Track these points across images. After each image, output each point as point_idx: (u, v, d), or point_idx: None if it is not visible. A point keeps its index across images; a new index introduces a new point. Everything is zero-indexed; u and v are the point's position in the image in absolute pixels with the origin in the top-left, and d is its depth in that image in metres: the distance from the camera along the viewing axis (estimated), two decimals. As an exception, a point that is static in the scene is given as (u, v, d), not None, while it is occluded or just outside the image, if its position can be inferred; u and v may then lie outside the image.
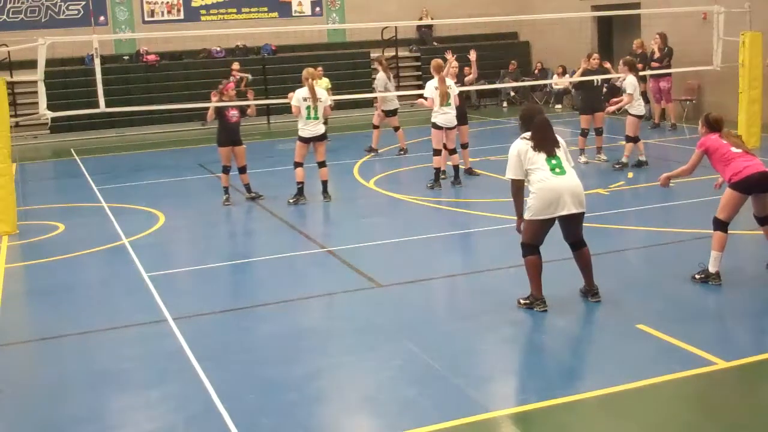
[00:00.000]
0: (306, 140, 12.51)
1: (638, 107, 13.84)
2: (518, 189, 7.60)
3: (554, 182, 7.35)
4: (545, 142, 7.53)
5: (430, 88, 12.97)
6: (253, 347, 7.21)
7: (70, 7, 23.27)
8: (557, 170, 7.40)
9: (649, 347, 6.74)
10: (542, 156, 7.46)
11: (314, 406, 6.08)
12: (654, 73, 18.35)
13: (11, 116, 13.82)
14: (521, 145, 7.55)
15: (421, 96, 13.69)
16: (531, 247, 7.66)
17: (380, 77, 17.45)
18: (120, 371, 6.83)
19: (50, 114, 13.43)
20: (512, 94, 24.55)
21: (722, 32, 16.12)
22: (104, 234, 11.22)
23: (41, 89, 12.92)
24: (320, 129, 12.44)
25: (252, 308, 8.17)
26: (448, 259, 9.65)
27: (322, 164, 12.71)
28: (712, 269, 8.05)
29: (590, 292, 7.86)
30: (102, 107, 13.38)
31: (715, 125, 8.23)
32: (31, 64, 14.06)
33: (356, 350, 7.04)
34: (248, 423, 5.75)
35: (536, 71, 24.63)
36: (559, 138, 7.74)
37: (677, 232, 9.75)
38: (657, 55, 18.82)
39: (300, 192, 12.60)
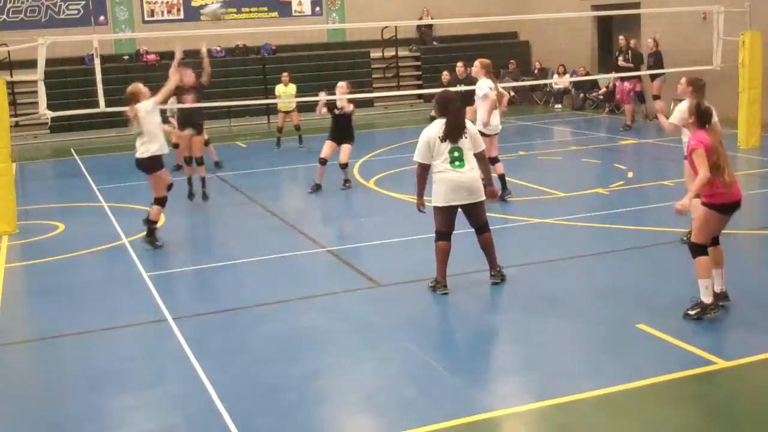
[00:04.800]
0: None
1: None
2: (422, 171, 8.15)
3: (450, 175, 7.98)
4: (453, 132, 7.99)
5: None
6: (253, 347, 7.21)
7: (70, 7, 23.27)
8: (456, 163, 7.98)
9: (649, 347, 6.74)
10: (447, 146, 7.98)
11: (314, 406, 6.08)
12: (621, 75, 18.47)
13: (11, 116, 13.81)
14: (431, 134, 8.02)
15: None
16: (440, 234, 8.21)
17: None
18: (120, 371, 6.83)
19: (50, 114, 13.42)
20: (512, 93, 24.54)
21: (722, 32, 16.13)
22: (104, 234, 11.22)
23: (41, 89, 12.91)
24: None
25: (252, 308, 8.16)
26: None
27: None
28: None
29: (492, 272, 8.40)
30: (102, 107, 13.37)
31: (706, 118, 7.24)
32: (31, 64, 14.05)
33: (356, 350, 7.04)
34: (248, 423, 5.75)
35: (535, 71, 24.63)
36: (468, 124, 8.10)
37: (677, 232, 9.74)
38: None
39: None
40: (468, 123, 8.17)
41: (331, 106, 13.35)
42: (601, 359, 6.66)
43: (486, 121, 11.44)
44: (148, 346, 7.38)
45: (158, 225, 10.50)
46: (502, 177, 11.86)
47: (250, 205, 12.96)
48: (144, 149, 10.24)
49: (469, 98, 12.16)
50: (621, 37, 19.56)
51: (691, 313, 7.18)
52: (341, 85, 13.53)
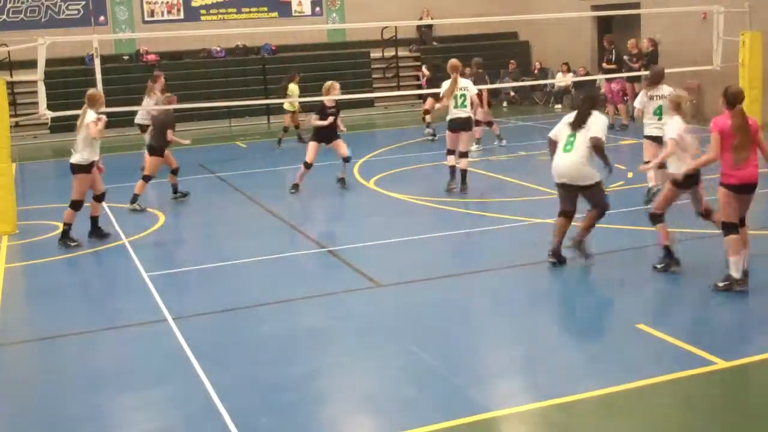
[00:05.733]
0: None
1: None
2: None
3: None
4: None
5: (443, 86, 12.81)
6: (253, 347, 7.21)
7: (70, 7, 23.26)
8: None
9: (649, 347, 6.74)
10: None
11: (314, 406, 6.08)
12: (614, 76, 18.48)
13: (11, 116, 13.80)
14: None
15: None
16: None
17: None
18: (120, 371, 6.83)
19: (50, 114, 13.42)
20: (512, 93, 24.54)
21: (722, 32, 16.12)
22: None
23: (41, 89, 12.91)
24: None
25: (252, 308, 8.16)
26: (448, 259, 9.65)
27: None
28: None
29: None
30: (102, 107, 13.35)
31: (734, 100, 7.65)
32: (31, 64, 14.05)
33: (356, 350, 7.04)
34: (248, 423, 5.75)
35: (535, 71, 24.62)
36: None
37: (677, 231, 9.74)
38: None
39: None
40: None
41: (321, 108, 13.15)
42: (601, 359, 6.66)
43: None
44: (148, 346, 7.38)
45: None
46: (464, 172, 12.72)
47: (250, 205, 12.95)
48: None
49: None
50: (605, 38, 19.61)
51: (720, 285, 7.77)
52: (336, 85, 13.36)
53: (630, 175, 13.29)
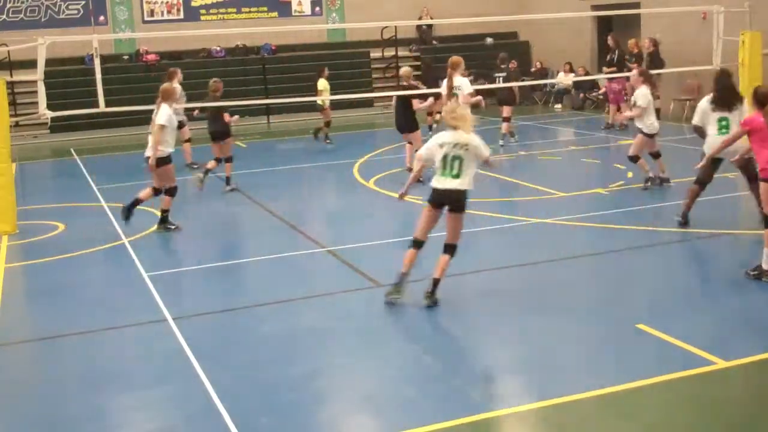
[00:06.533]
0: None
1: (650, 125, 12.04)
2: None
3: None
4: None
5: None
6: (253, 347, 7.21)
7: (70, 7, 23.26)
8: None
9: (649, 347, 6.74)
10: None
11: (314, 406, 6.08)
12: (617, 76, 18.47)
13: (11, 116, 13.81)
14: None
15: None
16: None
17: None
18: (120, 371, 6.83)
19: (50, 114, 13.43)
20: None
21: (722, 32, 16.12)
22: (104, 234, 11.21)
23: (41, 89, 12.91)
24: None
25: (252, 308, 8.16)
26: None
27: None
28: (765, 265, 8.04)
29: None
30: (102, 107, 13.37)
31: (763, 100, 8.21)
32: (31, 64, 14.05)
33: (356, 350, 7.04)
34: (248, 423, 5.75)
35: (535, 71, 24.60)
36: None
37: (677, 231, 9.75)
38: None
39: None
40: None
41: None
42: (601, 359, 6.66)
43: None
44: (148, 346, 7.37)
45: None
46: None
47: (250, 205, 12.95)
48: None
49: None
50: (609, 36, 19.57)
51: (751, 273, 8.05)
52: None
53: (630, 174, 13.29)
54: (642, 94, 12.04)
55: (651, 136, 12.05)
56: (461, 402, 5.93)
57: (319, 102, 18.09)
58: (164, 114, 10.82)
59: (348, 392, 6.31)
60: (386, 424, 5.75)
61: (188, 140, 15.99)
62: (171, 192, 11.13)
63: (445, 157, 7.73)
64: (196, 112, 15.39)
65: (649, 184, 12.19)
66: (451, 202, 7.78)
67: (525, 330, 7.32)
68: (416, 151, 10.02)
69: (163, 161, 10.90)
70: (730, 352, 6.49)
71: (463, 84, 12.88)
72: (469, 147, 7.74)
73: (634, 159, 12.19)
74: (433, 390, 6.17)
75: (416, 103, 13.71)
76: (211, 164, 13.60)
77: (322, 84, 17.95)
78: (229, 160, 13.69)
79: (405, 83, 14.60)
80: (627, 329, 7.07)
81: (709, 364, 6.33)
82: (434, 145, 7.82)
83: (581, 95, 22.78)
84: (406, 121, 13.61)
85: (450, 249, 7.85)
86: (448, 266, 7.83)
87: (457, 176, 7.71)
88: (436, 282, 7.81)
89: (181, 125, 15.15)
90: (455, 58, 13.02)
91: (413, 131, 13.65)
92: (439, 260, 7.83)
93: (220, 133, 13.55)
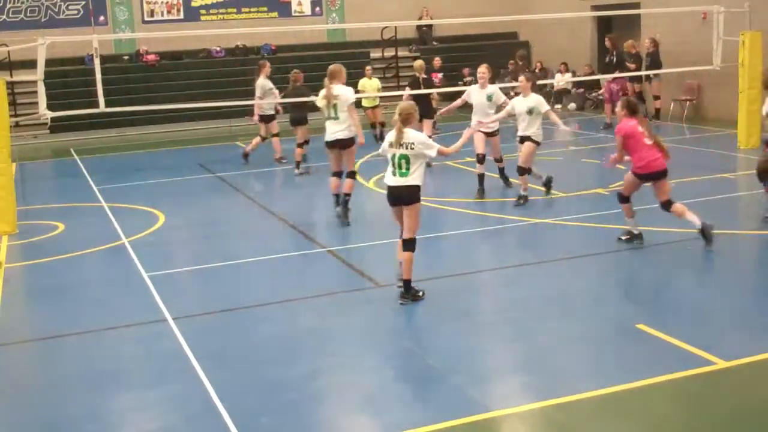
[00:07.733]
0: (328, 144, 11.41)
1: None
2: None
3: None
4: None
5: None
6: (253, 347, 7.21)
7: (70, 7, 23.26)
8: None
9: (649, 347, 6.74)
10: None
11: (314, 406, 6.08)
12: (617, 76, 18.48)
13: (11, 116, 13.81)
14: None
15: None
16: None
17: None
18: (120, 371, 6.83)
19: (50, 114, 13.46)
20: (512, 93, 24.52)
21: (722, 32, 16.12)
22: (104, 234, 11.22)
23: (41, 89, 12.93)
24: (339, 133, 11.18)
25: (252, 308, 8.17)
26: (448, 259, 9.64)
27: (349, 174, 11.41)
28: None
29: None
30: (102, 107, 13.39)
31: (635, 110, 9.04)
32: (31, 64, 14.07)
33: (356, 350, 7.04)
34: (248, 423, 5.75)
35: (536, 70, 24.60)
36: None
37: (677, 231, 9.75)
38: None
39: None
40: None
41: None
42: (601, 359, 6.66)
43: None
44: (148, 346, 7.37)
45: None
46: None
47: (250, 205, 12.95)
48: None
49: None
50: (607, 38, 19.62)
51: (623, 238, 8.93)
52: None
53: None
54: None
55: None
56: (461, 402, 5.93)
57: (364, 103, 17.91)
58: (349, 91, 11.12)
59: (348, 392, 6.31)
60: (386, 424, 5.75)
61: (276, 134, 16.23)
62: (354, 175, 11.37)
63: (393, 156, 7.97)
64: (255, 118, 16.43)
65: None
66: (403, 197, 7.97)
67: (525, 330, 7.32)
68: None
69: (352, 141, 11.22)
70: (730, 352, 6.50)
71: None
72: (415, 145, 7.89)
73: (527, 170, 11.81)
74: (433, 390, 6.17)
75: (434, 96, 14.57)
76: (297, 154, 14.91)
77: (362, 84, 17.84)
78: (302, 145, 15.02)
79: (422, 75, 15.60)
80: (627, 329, 7.08)
81: (708, 364, 6.33)
82: (386, 143, 8.08)
83: (582, 90, 22.75)
84: (423, 108, 13.36)
85: (408, 244, 7.97)
86: (412, 264, 7.93)
87: (404, 174, 7.92)
88: (406, 283, 7.95)
89: (270, 118, 16.04)
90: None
91: (425, 119, 14.15)
92: (403, 260, 7.94)
93: (298, 120, 15.08)
